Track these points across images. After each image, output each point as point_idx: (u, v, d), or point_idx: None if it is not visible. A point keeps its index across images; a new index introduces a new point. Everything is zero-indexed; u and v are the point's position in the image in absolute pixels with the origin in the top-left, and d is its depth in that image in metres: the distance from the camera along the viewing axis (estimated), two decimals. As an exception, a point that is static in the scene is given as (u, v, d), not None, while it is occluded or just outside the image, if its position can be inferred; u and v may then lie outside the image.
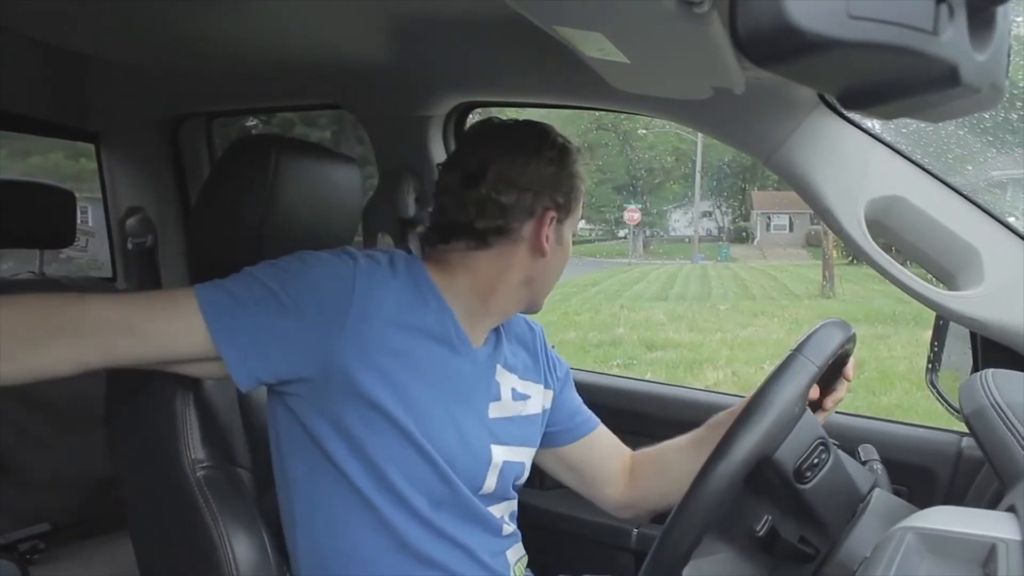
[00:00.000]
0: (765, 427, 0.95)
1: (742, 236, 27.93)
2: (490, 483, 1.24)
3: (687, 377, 8.03)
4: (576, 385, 1.47)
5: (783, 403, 0.97)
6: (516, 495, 1.32)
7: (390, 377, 1.11)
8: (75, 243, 2.18)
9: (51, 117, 2.22)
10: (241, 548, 1.20)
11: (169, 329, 1.05)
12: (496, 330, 1.30)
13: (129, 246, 2.28)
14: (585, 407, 1.44)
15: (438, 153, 1.80)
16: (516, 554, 1.30)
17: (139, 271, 2.31)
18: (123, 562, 1.46)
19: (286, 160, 1.37)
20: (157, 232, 2.28)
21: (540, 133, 1.22)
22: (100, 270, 2.71)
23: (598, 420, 1.44)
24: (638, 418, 1.75)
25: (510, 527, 1.30)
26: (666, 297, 15.22)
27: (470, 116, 1.88)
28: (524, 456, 1.30)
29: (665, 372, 8.18)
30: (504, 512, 1.29)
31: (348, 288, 1.10)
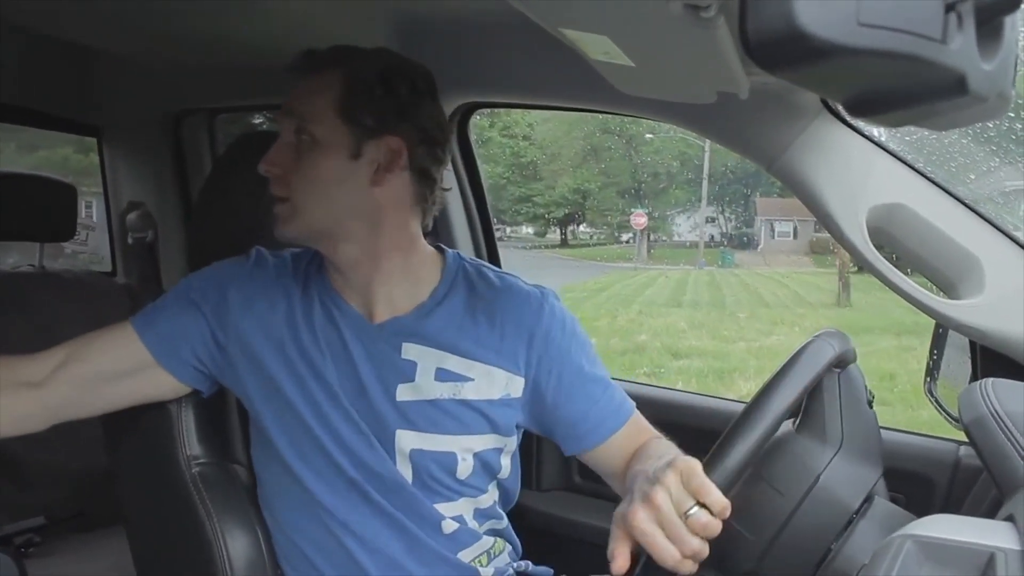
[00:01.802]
0: (757, 437, 0.95)
1: (745, 242, 27.85)
2: (405, 473, 1.18)
3: (718, 387, 7.86)
4: None
5: (775, 414, 0.96)
6: (477, 492, 1.23)
7: (268, 363, 1.20)
8: (76, 237, 2.17)
9: (54, 111, 2.22)
10: (235, 544, 1.20)
11: (105, 344, 1.20)
12: (440, 302, 1.23)
13: (129, 241, 2.28)
14: (600, 411, 1.25)
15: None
16: (474, 553, 1.23)
17: (139, 266, 2.31)
18: (118, 556, 1.46)
19: None
20: (158, 227, 2.28)
21: None
22: (100, 264, 2.70)
23: (614, 427, 1.25)
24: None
25: (456, 525, 1.20)
26: (680, 303, 14.94)
27: (474, 116, 1.88)
28: (455, 445, 1.19)
29: (696, 382, 7.95)
30: (457, 511, 1.21)
31: (227, 281, 1.24)
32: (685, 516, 0.86)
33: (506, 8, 0.77)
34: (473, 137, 1.90)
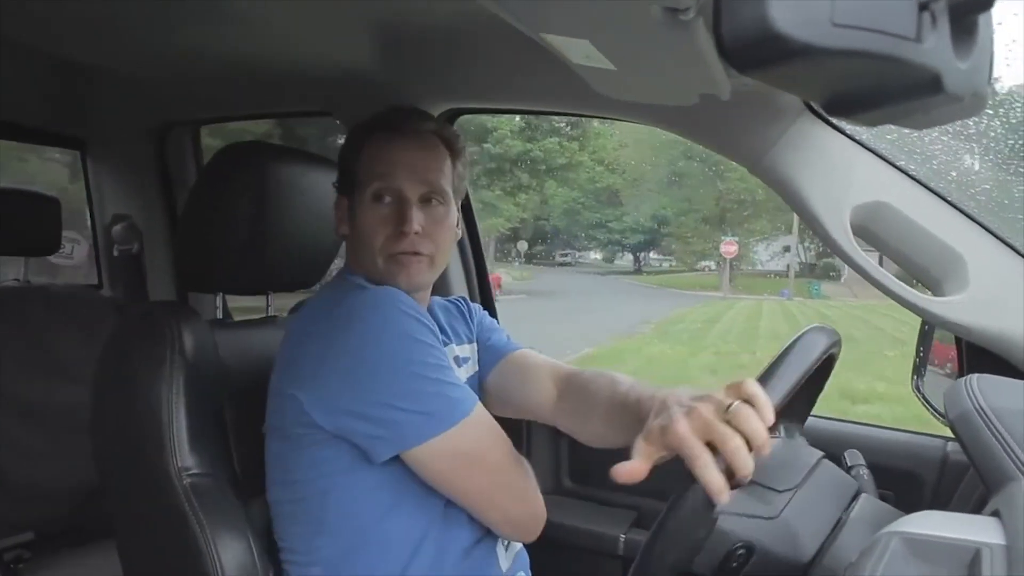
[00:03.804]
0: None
1: (825, 272, 27.35)
2: None
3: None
4: None
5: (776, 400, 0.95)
6: None
7: None
8: (61, 250, 2.16)
9: (38, 124, 2.21)
10: (228, 555, 1.19)
11: None
12: (434, 314, 1.40)
13: (115, 253, 2.27)
14: (504, 337, 1.50)
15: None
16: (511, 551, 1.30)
17: (125, 278, 2.30)
18: (109, 571, 1.44)
19: (274, 167, 1.37)
20: (143, 239, 2.27)
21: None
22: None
23: (520, 345, 1.48)
24: None
25: None
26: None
27: (457, 122, 1.88)
28: None
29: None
30: None
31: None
32: (726, 411, 0.86)
33: (487, 14, 0.77)
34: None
